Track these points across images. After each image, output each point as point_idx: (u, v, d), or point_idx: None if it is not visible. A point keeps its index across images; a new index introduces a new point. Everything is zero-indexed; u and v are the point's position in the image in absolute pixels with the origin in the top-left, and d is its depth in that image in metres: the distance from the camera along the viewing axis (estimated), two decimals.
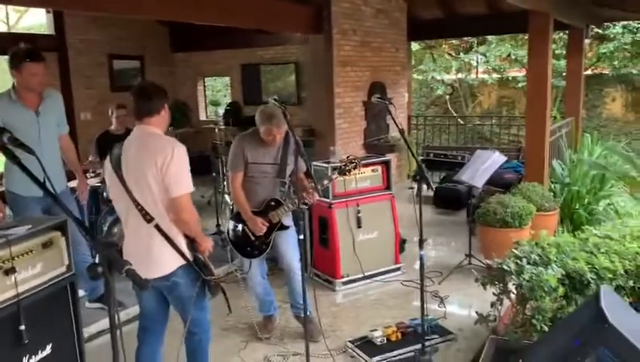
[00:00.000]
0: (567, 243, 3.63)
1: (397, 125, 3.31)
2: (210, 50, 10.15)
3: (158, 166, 2.59)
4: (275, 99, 3.14)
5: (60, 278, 2.80)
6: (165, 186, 2.61)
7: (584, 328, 2.61)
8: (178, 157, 2.62)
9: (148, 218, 2.63)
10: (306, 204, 3.61)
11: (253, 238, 3.66)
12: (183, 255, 2.71)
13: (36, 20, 12.62)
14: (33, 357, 2.59)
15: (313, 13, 6.44)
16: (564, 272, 3.29)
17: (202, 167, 8.97)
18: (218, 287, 2.86)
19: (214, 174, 6.41)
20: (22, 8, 13.25)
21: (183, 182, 2.65)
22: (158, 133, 2.73)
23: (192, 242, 2.78)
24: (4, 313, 2.46)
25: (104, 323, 4.04)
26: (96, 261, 1.35)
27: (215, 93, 14.78)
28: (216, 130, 6.71)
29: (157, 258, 2.69)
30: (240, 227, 3.69)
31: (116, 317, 1.27)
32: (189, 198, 2.69)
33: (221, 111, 10.74)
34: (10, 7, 11.73)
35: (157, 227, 2.64)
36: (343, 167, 3.82)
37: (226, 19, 5.68)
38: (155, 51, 10.29)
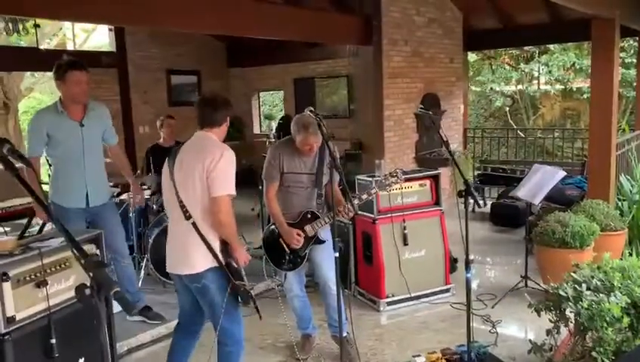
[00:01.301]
0: (634, 268, 3.28)
1: (442, 137, 3.13)
2: (264, 65, 10.26)
3: (205, 165, 2.69)
4: (310, 110, 3.03)
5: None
6: (208, 185, 2.69)
7: None
8: (225, 160, 2.72)
9: (187, 215, 2.74)
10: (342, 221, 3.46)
11: (288, 251, 3.55)
12: (216, 256, 2.75)
13: (103, 40, 13.20)
14: None
15: (362, 24, 6.35)
16: (629, 301, 2.97)
17: (253, 179, 9.08)
18: (248, 294, 2.85)
19: (260, 187, 6.37)
20: (89, 28, 13.91)
21: (226, 184, 2.72)
22: (213, 138, 2.85)
23: (226, 246, 2.80)
24: (35, 326, 2.47)
25: (145, 336, 4.05)
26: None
27: (271, 108, 14.93)
28: (267, 143, 6.70)
29: (190, 255, 2.76)
30: (275, 239, 3.58)
31: (107, 342, 1.18)
32: (228, 201, 2.75)
33: (274, 124, 10.82)
34: (77, 27, 12.34)
35: (194, 225, 2.73)
36: (382, 181, 3.63)
37: (279, 33, 5.73)
38: (211, 66, 10.50)
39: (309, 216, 3.54)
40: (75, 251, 1.29)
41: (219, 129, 2.88)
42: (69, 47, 13.15)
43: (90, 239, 2.86)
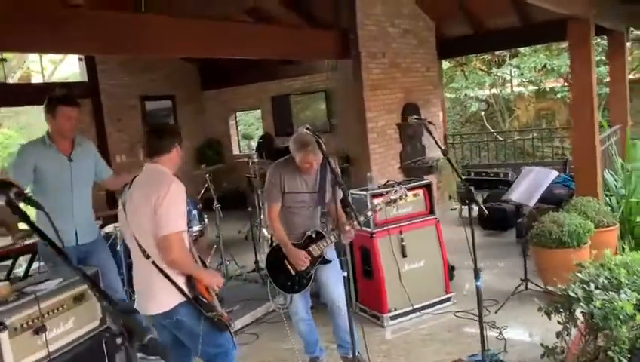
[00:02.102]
0: (637, 263, 3.28)
1: (438, 145, 3.09)
2: (239, 85, 10.18)
3: (152, 203, 2.59)
4: (307, 128, 2.97)
5: (94, 332, 2.66)
6: (156, 224, 2.59)
7: None
8: (172, 195, 2.60)
9: (146, 254, 2.64)
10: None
11: (293, 273, 3.45)
12: (182, 292, 2.64)
13: (71, 70, 12.98)
14: None
15: (340, 39, 6.34)
16: (639, 296, 2.96)
17: (238, 201, 8.96)
18: (222, 324, 2.76)
19: (250, 208, 6.27)
20: (57, 59, 13.67)
21: (174, 221, 2.61)
22: (161, 171, 2.74)
23: (190, 279, 2.70)
24: None
25: None
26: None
27: (247, 127, 14.82)
28: (250, 163, 6.59)
29: (156, 294, 2.64)
30: (279, 260, 3.48)
31: None
32: (178, 238, 2.63)
33: (254, 144, 10.72)
34: (45, 58, 12.11)
35: (154, 263, 2.63)
36: (391, 199, 3.58)
37: (254, 52, 5.63)
38: (185, 90, 10.40)
39: (314, 235, 3.46)
40: (103, 299, 1.19)
41: (167, 157, 2.76)
42: (36, 80, 12.90)
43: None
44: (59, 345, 2.47)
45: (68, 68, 13.64)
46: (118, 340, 1.06)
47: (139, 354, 3.82)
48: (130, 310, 1.05)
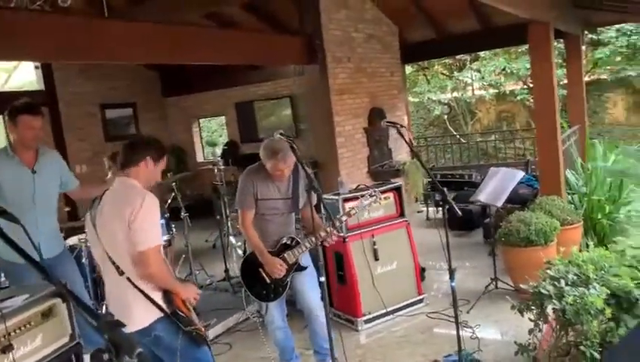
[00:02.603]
0: (603, 258, 3.38)
1: (411, 148, 3.13)
2: (202, 92, 10.05)
3: (125, 218, 2.52)
4: (281, 133, 2.93)
5: (64, 349, 2.54)
6: (131, 238, 2.52)
7: None
8: (146, 209, 2.54)
9: (120, 271, 2.58)
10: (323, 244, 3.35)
11: (269, 281, 3.40)
12: (159, 307, 2.60)
13: (27, 78, 12.58)
14: None
15: (304, 44, 6.33)
16: (608, 291, 3.04)
17: (204, 209, 8.81)
18: (201, 338, 2.71)
19: (218, 216, 6.18)
20: (10, 67, 13.22)
21: (150, 236, 2.55)
22: (133, 185, 2.66)
23: (167, 294, 2.64)
24: None
25: None
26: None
27: (211, 134, 14.66)
28: (216, 170, 6.49)
29: (132, 311, 2.59)
30: (254, 269, 3.43)
31: None
32: (156, 252, 2.58)
33: (219, 151, 10.60)
34: None
35: (129, 280, 2.58)
36: (363, 202, 3.58)
37: (216, 58, 5.54)
38: (146, 97, 10.20)
39: (289, 242, 3.42)
40: (85, 313, 1.13)
41: (138, 168, 2.68)
42: None
43: (56, 293, 2.61)
44: None
45: (23, 75, 13.20)
46: (105, 356, 1.01)
47: None
48: (117, 323, 1.00)
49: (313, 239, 3.22)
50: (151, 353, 2.72)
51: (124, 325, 1.08)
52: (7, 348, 2.23)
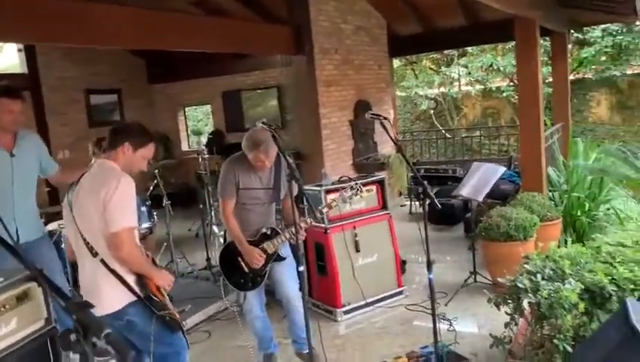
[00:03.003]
0: (579, 254, 3.43)
1: (394, 141, 3.13)
2: (188, 80, 9.96)
3: (101, 199, 2.52)
4: (263, 122, 2.92)
5: (39, 333, 2.52)
6: (106, 218, 2.52)
7: (616, 347, 2.41)
8: (122, 190, 2.53)
9: (94, 252, 2.58)
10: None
11: (247, 270, 3.41)
12: (132, 290, 2.59)
13: (10, 61, 12.36)
14: None
15: (293, 34, 6.30)
16: (582, 286, 3.09)
17: (188, 198, 8.78)
18: (175, 323, 2.70)
19: (201, 205, 6.16)
20: None
21: (124, 216, 2.54)
22: (111, 167, 2.66)
23: (141, 278, 2.63)
24: None
25: None
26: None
27: (196, 123, 14.57)
28: (200, 159, 6.47)
29: (104, 294, 2.58)
30: (233, 258, 3.43)
31: None
32: (129, 234, 2.56)
33: (204, 140, 10.54)
34: None
35: (102, 262, 2.57)
36: (344, 195, 3.58)
37: (204, 45, 5.49)
38: (132, 84, 10.09)
39: (269, 232, 3.42)
40: (54, 293, 1.12)
41: (115, 152, 2.67)
42: None
43: (31, 277, 2.59)
44: (2, 346, 2.32)
45: (6, 59, 12.98)
46: (72, 336, 1.00)
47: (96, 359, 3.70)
48: (85, 304, 1.00)
49: (292, 230, 3.23)
50: (123, 338, 2.69)
51: (92, 306, 1.08)
52: None
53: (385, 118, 3.21)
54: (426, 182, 3.13)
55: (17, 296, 2.47)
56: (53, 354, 2.56)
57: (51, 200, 6.36)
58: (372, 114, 3.21)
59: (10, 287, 2.45)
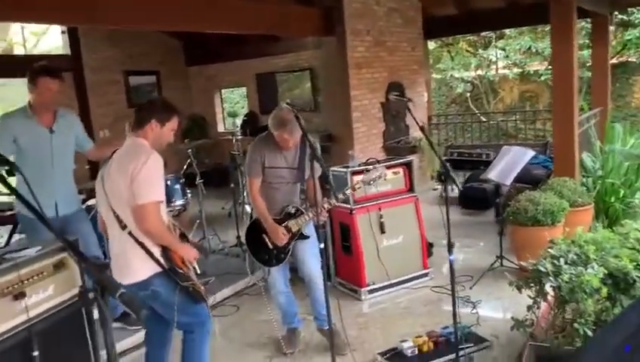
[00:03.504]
0: (606, 240, 3.39)
1: (417, 122, 3.14)
2: (224, 62, 10.11)
3: (129, 173, 2.62)
4: (287, 103, 2.99)
5: (74, 300, 2.69)
6: (132, 192, 2.62)
7: (636, 332, 2.40)
8: (150, 166, 2.64)
9: (122, 224, 2.69)
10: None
11: (271, 247, 3.52)
12: (157, 262, 2.70)
13: (54, 43, 12.78)
14: None
15: (324, 15, 6.32)
16: (606, 271, 3.07)
17: (221, 178, 8.96)
18: (198, 294, 2.81)
19: (233, 185, 6.30)
20: (39, 31, 13.44)
21: (150, 190, 2.64)
22: (141, 144, 2.76)
23: (166, 250, 2.74)
24: (15, 339, 2.37)
25: (126, 343, 3.95)
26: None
27: (233, 105, 14.76)
28: (234, 140, 6.61)
29: (131, 264, 2.70)
30: (258, 234, 3.55)
31: (112, 345, 1.14)
32: (154, 208, 2.66)
33: (239, 121, 10.69)
34: (27, 30, 11.90)
35: (130, 234, 2.67)
36: (368, 177, 3.63)
37: (238, 27, 5.61)
38: (170, 66, 10.30)
39: (293, 211, 3.51)
40: (75, 255, 1.23)
41: (144, 129, 2.78)
42: (18, 51, 12.68)
43: (64, 247, 2.75)
44: (39, 311, 2.49)
45: (51, 41, 13.42)
46: (91, 294, 1.10)
47: (118, 324, 3.89)
48: (103, 266, 1.09)
49: (316, 209, 3.30)
50: (150, 309, 2.84)
51: (109, 267, 1.17)
52: (20, 295, 2.39)
53: (409, 100, 3.23)
54: (448, 163, 3.13)
55: (54, 265, 2.64)
56: (87, 320, 2.73)
57: (92, 176, 6.62)
58: (395, 95, 3.24)
59: (48, 256, 2.62)
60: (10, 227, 4.93)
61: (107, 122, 8.90)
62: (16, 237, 4.87)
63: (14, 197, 3.75)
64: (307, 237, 3.54)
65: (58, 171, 3.73)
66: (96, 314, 2.71)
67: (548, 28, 11.26)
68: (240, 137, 6.80)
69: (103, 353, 3.79)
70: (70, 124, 3.90)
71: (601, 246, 3.31)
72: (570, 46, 5.29)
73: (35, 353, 2.38)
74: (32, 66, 3.63)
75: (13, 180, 3.81)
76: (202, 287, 2.84)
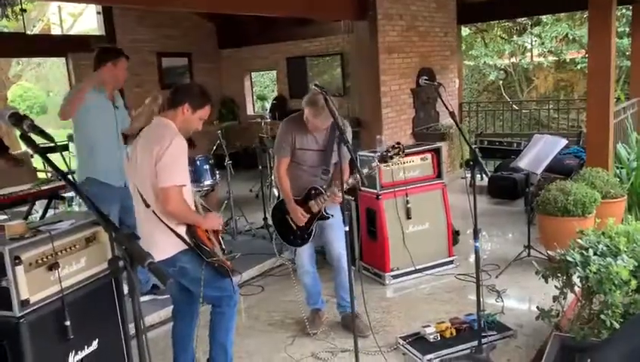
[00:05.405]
0: (638, 232, 3.32)
1: (447, 107, 3.10)
2: (255, 45, 10.14)
3: (153, 154, 2.66)
4: (316, 85, 2.99)
5: (104, 273, 2.77)
6: (156, 175, 2.67)
7: None
8: (173, 149, 2.66)
9: (146, 203, 2.74)
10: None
11: (295, 227, 3.56)
12: (183, 239, 2.74)
13: (89, 25, 13.02)
14: (80, 352, 2.57)
15: None
16: (636, 263, 3.01)
17: (249, 161, 9.05)
18: (224, 269, 2.86)
19: (260, 168, 6.36)
20: (76, 12, 13.69)
21: (173, 174, 2.68)
22: (167, 125, 2.79)
23: (189, 228, 2.79)
24: (49, 309, 2.45)
25: (152, 318, 4.05)
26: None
27: (263, 89, 14.82)
28: (263, 123, 6.67)
29: (157, 241, 2.73)
30: (283, 215, 3.60)
31: (139, 312, 1.18)
32: (177, 191, 2.70)
33: (268, 105, 10.74)
34: (64, 11, 12.12)
35: (154, 213, 2.72)
36: (384, 153, 3.61)
37: (270, 10, 5.60)
38: (202, 48, 10.38)
39: (313, 191, 3.53)
40: (106, 224, 1.27)
41: (174, 111, 2.80)
42: (55, 31, 12.95)
43: (97, 221, 2.83)
44: (71, 282, 2.58)
45: (86, 22, 13.67)
46: (120, 263, 1.15)
47: (148, 297, 4.00)
48: (133, 236, 1.13)
49: (334, 190, 3.34)
50: (178, 284, 2.93)
51: (138, 238, 1.21)
52: (54, 266, 2.48)
53: (439, 85, 3.19)
54: (477, 149, 3.10)
55: (87, 238, 2.73)
56: (117, 293, 2.82)
57: None
58: (425, 80, 3.20)
59: (80, 229, 2.70)
60: (45, 201, 5.09)
61: (140, 103, 9.01)
62: (50, 211, 5.03)
63: (66, 168, 3.92)
64: (328, 217, 3.55)
65: (118, 144, 4.05)
66: (125, 289, 2.84)
67: (586, 15, 10.97)
68: (269, 120, 6.85)
69: (132, 326, 3.94)
70: (121, 101, 4.20)
71: (632, 238, 3.25)
72: (609, 33, 5.13)
73: (67, 323, 2.47)
74: (110, 47, 4.06)
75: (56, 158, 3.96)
76: (228, 263, 2.89)
